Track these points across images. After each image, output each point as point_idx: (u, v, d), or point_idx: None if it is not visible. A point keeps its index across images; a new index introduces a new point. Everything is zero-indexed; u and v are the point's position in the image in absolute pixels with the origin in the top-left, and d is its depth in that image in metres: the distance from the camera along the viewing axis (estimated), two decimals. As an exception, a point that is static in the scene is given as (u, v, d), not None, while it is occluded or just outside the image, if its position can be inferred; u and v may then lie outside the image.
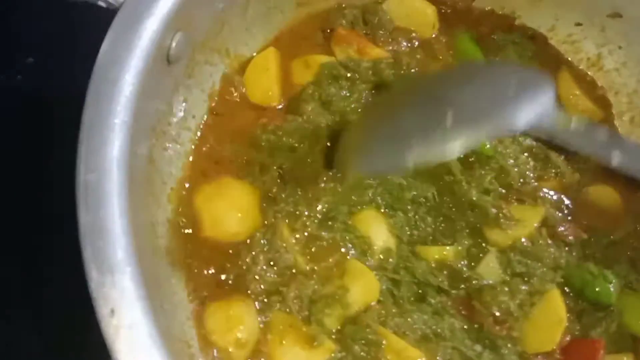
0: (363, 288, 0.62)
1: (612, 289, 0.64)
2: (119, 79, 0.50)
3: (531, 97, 0.53)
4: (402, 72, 0.71)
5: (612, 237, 0.68)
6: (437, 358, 0.61)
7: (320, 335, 0.59)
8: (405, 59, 0.73)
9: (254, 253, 0.62)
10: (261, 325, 0.61)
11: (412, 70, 0.73)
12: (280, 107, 0.72)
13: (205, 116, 0.70)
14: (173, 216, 0.63)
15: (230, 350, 0.60)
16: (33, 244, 0.71)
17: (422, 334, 0.61)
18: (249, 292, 0.62)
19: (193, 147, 0.69)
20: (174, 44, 0.58)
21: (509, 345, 0.62)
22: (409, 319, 0.61)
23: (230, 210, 0.64)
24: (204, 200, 0.65)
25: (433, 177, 0.67)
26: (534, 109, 0.52)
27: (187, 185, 0.66)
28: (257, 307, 0.62)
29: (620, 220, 0.70)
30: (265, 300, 0.62)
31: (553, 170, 0.70)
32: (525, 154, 0.71)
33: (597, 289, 0.64)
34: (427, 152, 0.53)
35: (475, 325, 0.63)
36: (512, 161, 0.70)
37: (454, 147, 0.51)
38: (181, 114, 0.67)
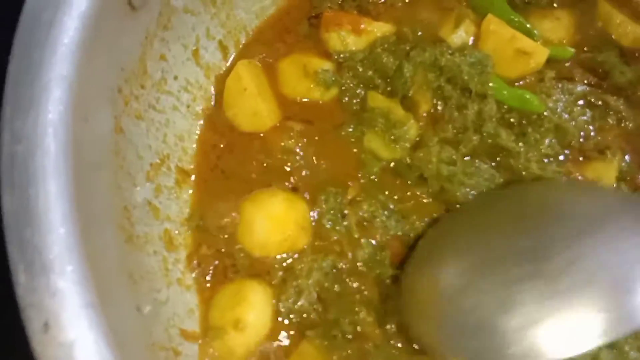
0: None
1: None
2: (55, 22, 0.39)
3: None
4: (408, 47, 0.59)
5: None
6: None
7: None
8: (407, 27, 0.61)
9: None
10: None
11: (419, 34, 0.61)
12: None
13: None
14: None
15: (228, 329, 0.51)
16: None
17: None
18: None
19: (177, 114, 0.58)
20: (134, -18, 0.46)
21: None
22: None
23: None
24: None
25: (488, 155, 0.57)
26: None
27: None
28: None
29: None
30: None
31: (615, 117, 0.60)
32: (580, 103, 0.60)
33: None
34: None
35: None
36: (566, 115, 0.59)
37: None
38: (158, 74, 0.55)
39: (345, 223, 0.55)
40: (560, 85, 0.60)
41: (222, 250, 0.56)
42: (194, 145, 0.60)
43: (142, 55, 0.52)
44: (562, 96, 0.59)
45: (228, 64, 0.63)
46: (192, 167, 0.59)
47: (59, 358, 0.32)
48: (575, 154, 0.58)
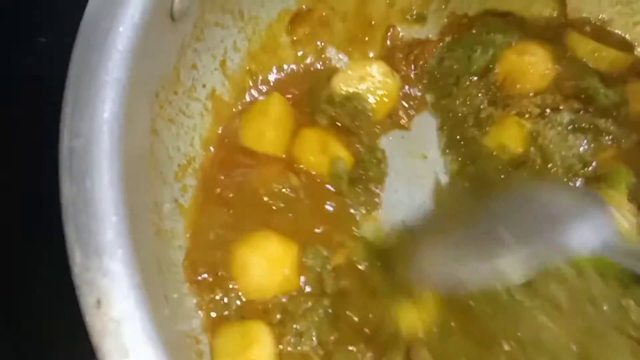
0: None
1: None
2: (111, 30, 0.43)
3: (586, 218, 0.51)
4: None
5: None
6: None
7: None
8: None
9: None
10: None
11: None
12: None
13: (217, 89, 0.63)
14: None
15: None
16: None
17: None
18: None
19: (203, 119, 0.62)
20: (177, -3, 0.50)
21: None
22: None
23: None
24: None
25: None
26: (588, 230, 0.50)
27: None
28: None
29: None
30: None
31: (606, 138, 0.62)
32: (571, 132, 0.63)
33: None
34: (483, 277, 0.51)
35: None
36: (563, 152, 0.61)
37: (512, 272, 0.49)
38: (189, 82, 0.59)
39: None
40: (548, 117, 0.62)
41: (217, 284, 0.56)
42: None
43: (176, 64, 0.56)
44: (553, 129, 0.62)
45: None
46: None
47: (109, 331, 0.36)
48: (583, 181, 0.60)
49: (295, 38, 0.69)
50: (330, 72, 0.68)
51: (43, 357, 0.58)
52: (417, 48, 0.71)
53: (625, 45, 0.69)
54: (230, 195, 0.60)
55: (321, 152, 0.62)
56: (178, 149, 0.58)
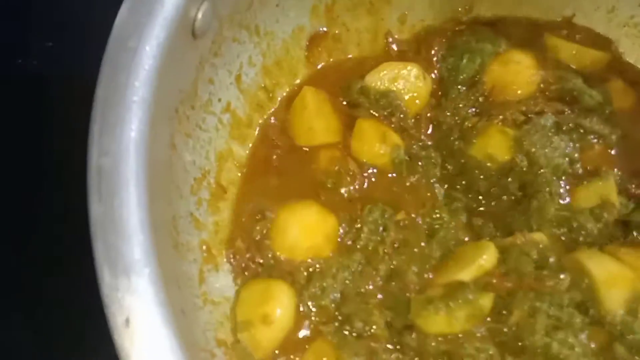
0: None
1: None
2: (138, 50, 0.43)
3: None
4: None
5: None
6: None
7: None
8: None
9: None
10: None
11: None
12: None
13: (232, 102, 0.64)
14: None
15: (256, 324, 0.55)
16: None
17: None
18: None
19: (219, 133, 0.62)
20: (200, 15, 0.51)
21: None
22: None
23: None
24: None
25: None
26: None
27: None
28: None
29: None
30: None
31: (591, 136, 0.64)
32: (555, 134, 0.63)
33: None
34: None
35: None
36: (549, 153, 0.62)
37: None
38: (206, 96, 0.60)
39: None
40: (532, 122, 0.62)
41: (253, 246, 0.60)
42: (230, 164, 0.65)
43: (195, 79, 0.56)
44: (538, 133, 0.62)
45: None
46: (230, 180, 0.64)
47: (139, 350, 0.36)
48: (571, 179, 0.61)
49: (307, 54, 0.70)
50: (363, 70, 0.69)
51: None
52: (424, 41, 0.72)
53: (601, 42, 0.71)
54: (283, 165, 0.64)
55: (380, 142, 0.64)
56: (194, 163, 0.59)
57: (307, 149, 0.65)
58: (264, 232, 0.60)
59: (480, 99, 0.67)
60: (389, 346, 0.55)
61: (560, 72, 0.66)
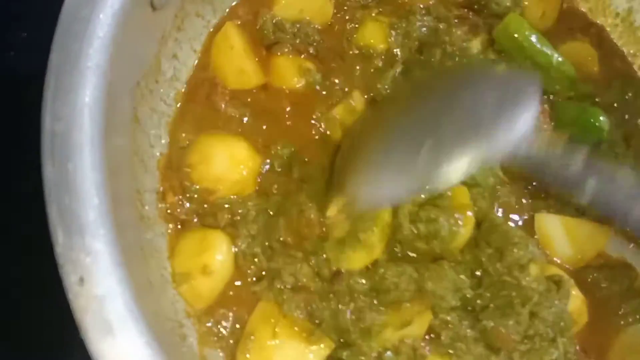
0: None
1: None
2: (91, 18, 0.44)
3: (510, 115, 0.53)
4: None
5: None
6: None
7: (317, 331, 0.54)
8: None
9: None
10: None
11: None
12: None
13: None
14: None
15: (195, 275, 0.55)
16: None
17: None
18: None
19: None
20: (156, -14, 0.51)
21: None
22: None
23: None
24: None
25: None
26: (513, 130, 0.52)
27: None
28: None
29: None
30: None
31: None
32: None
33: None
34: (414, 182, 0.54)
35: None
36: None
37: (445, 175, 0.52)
38: (171, 72, 0.60)
39: None
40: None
41: (182, 188, 0.58)
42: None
43: (157, 53, 0.57)
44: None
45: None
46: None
47: (92, 308, 0.37)
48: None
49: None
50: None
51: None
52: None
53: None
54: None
55: (297, 74, 0.64)
56: (160, 138, 0.59)
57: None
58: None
59: None
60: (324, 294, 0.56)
61: None
